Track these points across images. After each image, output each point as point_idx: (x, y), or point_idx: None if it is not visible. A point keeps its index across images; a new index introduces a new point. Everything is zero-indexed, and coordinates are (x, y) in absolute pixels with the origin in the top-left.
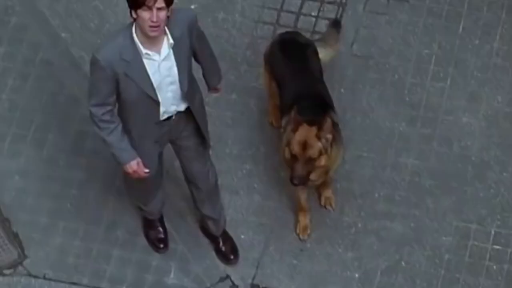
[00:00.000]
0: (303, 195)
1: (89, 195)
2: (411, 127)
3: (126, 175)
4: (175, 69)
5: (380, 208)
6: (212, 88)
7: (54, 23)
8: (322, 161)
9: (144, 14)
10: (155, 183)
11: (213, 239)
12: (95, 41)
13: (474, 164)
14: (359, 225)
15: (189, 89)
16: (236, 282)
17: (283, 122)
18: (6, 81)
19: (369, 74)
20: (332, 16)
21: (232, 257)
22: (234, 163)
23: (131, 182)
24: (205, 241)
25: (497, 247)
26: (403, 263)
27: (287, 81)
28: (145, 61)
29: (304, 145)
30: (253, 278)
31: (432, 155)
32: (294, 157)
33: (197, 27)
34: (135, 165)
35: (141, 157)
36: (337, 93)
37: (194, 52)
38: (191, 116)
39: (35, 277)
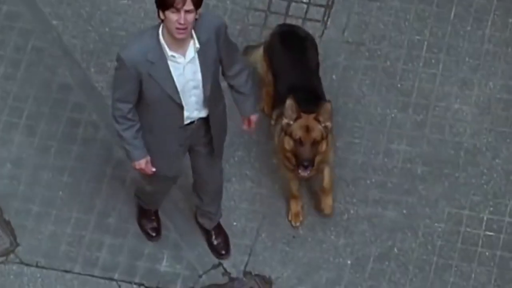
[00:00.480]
0: (295, 183)
1: (81, 183)
2: (403, 113)
3: (139, 171)
4: (199, 74)
5: (372, 194)
6: (243, 117)
7: (45, 11)
8: (324, 146)
9: (172, 16)
10: (169, 186)
11: (206, 232)
12: (87, 28)
13: (466, 150)
14: (351, 211)
15: (211, 95)
16: (228, 269)
17: (274, 114)
18: None
19: (361, 60)
20: (324, 3)
21: (223, 252)
22: (226, 150)
23: (145, 185)
24: (197, 229)
25: (490, 233)
26: (395, 249)
27: (283, 72)
28: (170, 63)
29: (307, 129)
30: (246, 265)
31: (424, 142)
32: (299, 142)
33: (226, 35)
34: (143, 164)
35: (162, 159)
36: (329, 80)
37: (221, 63)
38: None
39: (27, 265)
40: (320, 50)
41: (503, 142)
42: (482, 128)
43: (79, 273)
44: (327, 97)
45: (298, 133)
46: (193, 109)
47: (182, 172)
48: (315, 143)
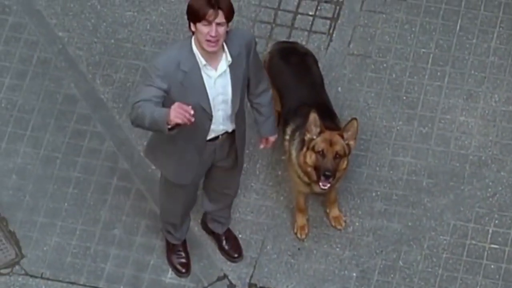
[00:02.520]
0: (302, 197)
1: (86, 194)
2: (409, 125)
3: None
4: (229, 88)
5: (377, 207)
6: (263, 137)
7: (51, 22)
8: (344, 163)
9: (203, 28)
10: (192, 202)
11: (216, 237)
12: (92, 39)
13: (471, 163)
14: (357, 224)
15: (239, 111)
16: (233, 282)
17: (289, 129)
18: (3, 80)
19: (366, 72)
20: (329, 15)
21: (236, 255)
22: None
23: (169, 202)
24: (202, 240)
25: (495, 246)
26: (400, 262)
27: (290, 89)
28: (203, 73)
29: (331, 142)
30: (251, 277)
31: (429, 154)
32: (321, 154)
33: (255, 51)
34: (177, 107)
35: (183, 171)
36: (335, 92)
37: (248, 80)
38: (235, 140)
39: (33, 276)
40: (325, 62)
41: (508, 155)
42: (488, 141)
43: (84, 285)
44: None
45: (321, 145)
46: (219, 123)
47: (199, 182)
48: (337, 157)
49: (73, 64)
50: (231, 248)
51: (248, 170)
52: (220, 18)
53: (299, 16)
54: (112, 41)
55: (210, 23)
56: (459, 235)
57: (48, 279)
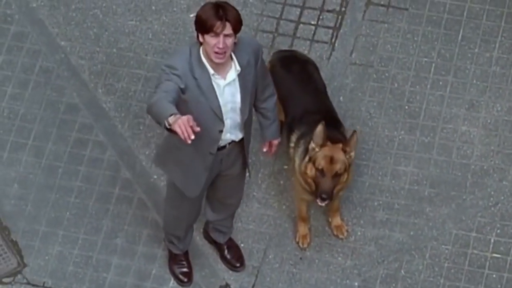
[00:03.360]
0: (304, 205)
1: (88, 203)
2: (411, 135)
3: (176, 136)
4: (238, 96)
5: (379, 216)
6: (267, 140)
7: (53, 31)
8: (345, 177)
9: (211, 39)
10: (196, 213)
11: (218, 246)
12: (94, 49)
13: (473, 172)
14: (359, 233)
15: (248, 119)
16: None
17: (294, 137)
18: (5, 89)
19: (368, 82)
20: (332, 24)
21: (238, 264)
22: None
23: (174, 214)
24: (204, 249)
25: (497, 255)
26: (402, 271)
27: (293, 97)
28: (213, 81)
29: (331, 160)
30: (253, 287)
31: (431, 164)
32: (321, 172)
33: (262, 58)
34: (186, 120)
35: (192, 184)
36: (337, 101)
37: (256, 86)
38: (243, 148)
39: (35, 285)
40: (327, 72)
41: (510, 164)
42: (490, 150)
43: None
44: None
45: (321, 163)
46: (227, 131)
47: (203, 194)
48: (337, 175)
49: (75, 73)
50: (233, 257)
51: (250, 179)
52: (228, 30)
53: (301, 25)
54: (114, 50)
55: (217, 35)
56: (461, 245)
57: None
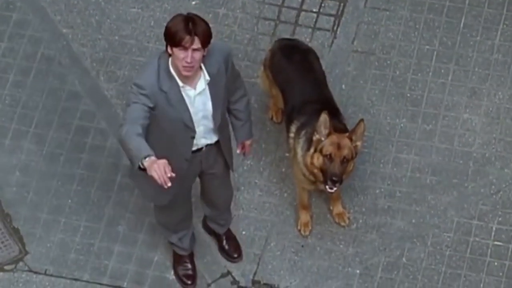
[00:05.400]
0: (306, 193)
1: (90, 191)
2: (412, 123)
3: (153, 181)
4: (209, 104)
5: (381, 204)
6: (240, 141)
7: (55, 19)
8: (351, 165)
9: (180, 53)
10: (187, 213)
11: (216, 237)
12: (96, 36)
13: (475, 160)
14: (360, 221)
15: (221, 124)
16: (237, 278)
17: (293, 127)
18: (7, 77)
19: (370, 70)
20: (333, 12)
21: (236, 255)
22: (235, 159)
23: (163, 217)
24: (206, 237)
25: (498, 243)
26: (404, 259)
27: (293, 87)
28: (182, 92)
29: (338, 146)
30: (254, 274)
31: (433, 151)
32: (329, 158)
33: (232, 63)
34: (161, 165)
35: (157, 189)
36: (338, 89)
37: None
38: (220, 149)
39: (36, 273)
40: (329, 60)
41: None
42: (491, 138)
43: (88, 281)
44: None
45: (329, 149)
46: (200, 137)
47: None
48: (345, 161)
49: (77, 61)
50: (231, 248)
51: (252, 167)
52: (196, 44)
53: (303, 13)
54: (116, 37)
55: (186, 49)
56: (462, 232)
57: (51, 275)
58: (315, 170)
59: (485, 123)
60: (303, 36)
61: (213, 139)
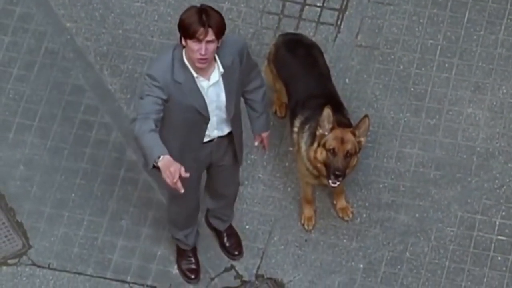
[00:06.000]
0: (309, 187)
1: (94, 185)
2: (416, 117)
3: (166, 185)
4: (223, 96)
5: (384, 198)
6: (256, 134)
7: (59, 13)
8: (355, 160)
9: (193, 45)
10: (195, 206)
11: (218, 233)
12: (100, 30)
13: (479, 155)
14: (364, 215)
15: (234, 116)
16: (240, 272)
17: (297, 121)
18: (11, 71)
19: (374, 64)
20: (337, 6)
21: (236, 252)
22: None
23: (175, 209)
24: (209, 232)
25: (502, 237)
26: (407, 253)
27: (297, 81)
28: (197, 82)
29: (342, 140)
30: (258, 268)
31: (437, 146)
32: (332, 152)
33: (248, 55)
34: (174, 171)
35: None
36: (342, 84)
37: (243, 79)
38: (232, 140)
39: (40, 266)
40: (333, 54)
41: None
42: (495, 133)
43: (91, 275)
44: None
45: (332, 143)
46: (213, 128)
47: (198, 187)
48: (348, 155)
49: (81, 55)
50: (232, 245)
51: (256, 161)
52: (210, 36)
53: (307, 7)
54: (120, 31)
55: (200, 41)
56: (466, 227)
57: (55, 269)
58: (319, 165)
59: (488, 118)
60: (307, 30)
61: (225, 131)
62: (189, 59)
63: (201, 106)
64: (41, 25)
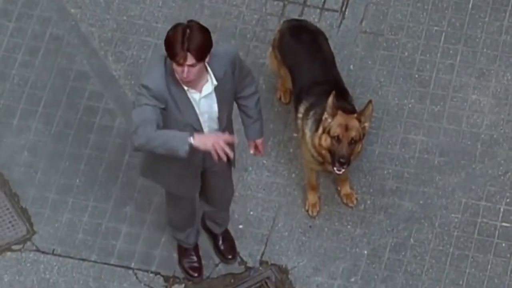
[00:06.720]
0: (314, 174)
1: (98, 171)
2: (420, 104)
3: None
4: (215, 107)
5: (389, 185)
6: (250, 140)
7: None
8: (359, 147)
9: (176, 67)
10: (192, 211)
11: (213, 236)
12: (105, 16)
13: (483, 141)
14: (368, 202)
15: (226, 126)
16: (244, 259)
17: (302, 107)
18: (15, 57)
19: (378, 51)
20: None
21: (230, 256)
22: (243, 140)
23: (173, 213)
24: None
25: (506, 224)
26: (411, 240)
27: (301, 68)
28: (188, 95)
29: (346, 127)
30: (262, 255)
31: (441, 132)
32: (336, 139)
33: (240, 63)
34: (221, 140)
35: (182, 184)
36: (346, 70)
37: (236, 87)
38: None
39: (44, 252)
40: (337, 40)
41: None
42: (499, 119)
43: (95, 262)
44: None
45: (336, 130)
46: None
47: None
48: (353, 142)
49: (85, 41)
50: (226, 249)
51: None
52: (190, 60)
53: None
54: (125, 18)
55: (181, 65)
56: (470, 214)
57: (59, 255)
58: (323, 151)
59: (493, 104)
60: (311, 16)
61: None
62: None
63: (193, 119)
64: (46, 11)
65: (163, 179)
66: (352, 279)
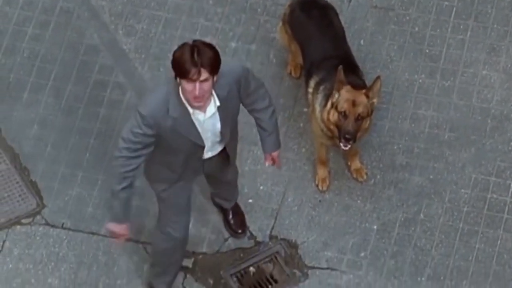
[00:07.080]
0: (323, 148)
1: (108, 145)
2: (431, 79)
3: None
4: (218, 125)
5: (399, 160)
6: (266, 153)
7: None
8: (367, 123)
9: (187, 85)
10: (186, 209)
11: (223, 210)
12: None
13: (493, 117)
14: (378, 177)
15: (230, 140)
16: (254, 233)
17: (312, 82)
18: (25, 30)
19: (389, 25)
20: None
21: (239, 231)
22: (251, 120)
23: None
24: None
25: None
26: (421, 215)
27: (311, 42)
28: (192, 117)
29: (353, 103)
30: (272, 229)
31: (451, 108)
32: (343, 115)
33: (248, 79)
34: (119, 227)
35: (179, 189)
36: (357, 45)
37: (242, 102)
38: (226, 153)
39: (53, 226)
40: (348, 15)
41: None
42: (510, 95)
43: (105, 235)
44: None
45: (344, 106)
46: (207, 150)
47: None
48: (359, 119)
49: (96, 15)
50: (236, 223)
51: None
52: (204, 75)
53: None
54: None
55: (194, 81)
56: (480, 189)
57: (69, 229)
58: (331, 126)
59: (503, 80)
60: None
61: (218, 150)
62: (184, 95)
63: (195, 137)
64: None
65: (156, 183)
66: (362, 254)
